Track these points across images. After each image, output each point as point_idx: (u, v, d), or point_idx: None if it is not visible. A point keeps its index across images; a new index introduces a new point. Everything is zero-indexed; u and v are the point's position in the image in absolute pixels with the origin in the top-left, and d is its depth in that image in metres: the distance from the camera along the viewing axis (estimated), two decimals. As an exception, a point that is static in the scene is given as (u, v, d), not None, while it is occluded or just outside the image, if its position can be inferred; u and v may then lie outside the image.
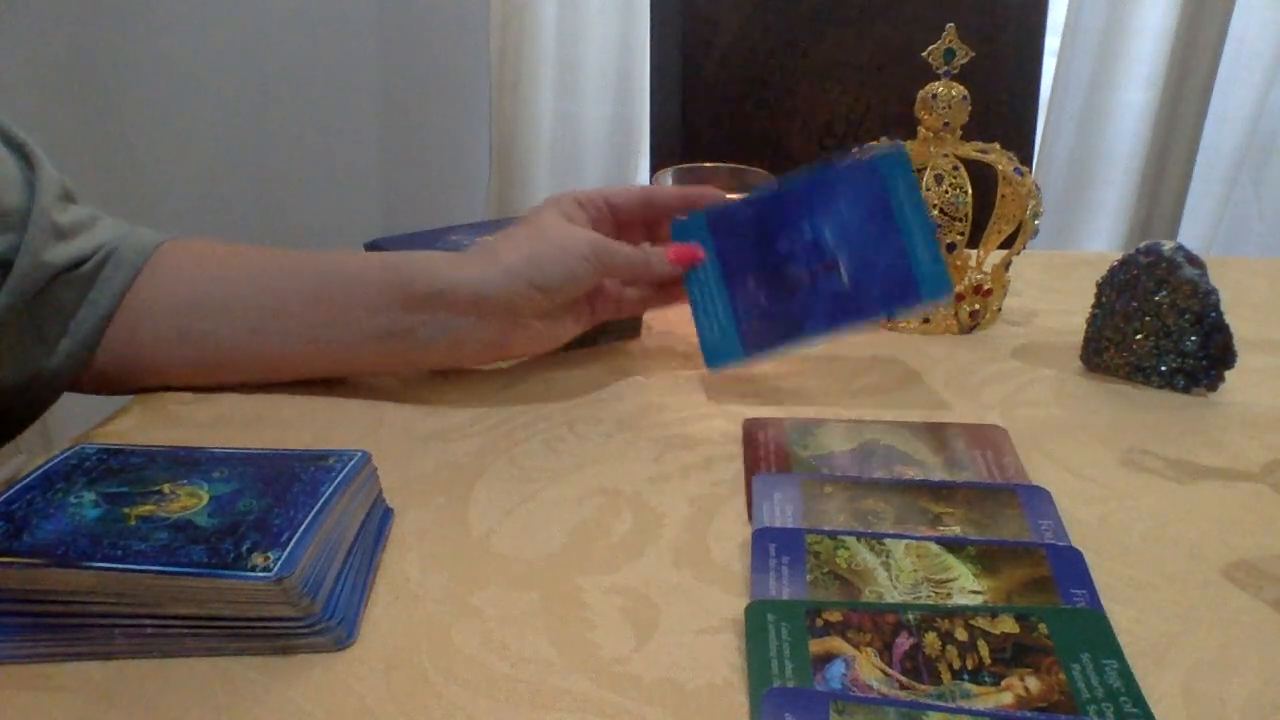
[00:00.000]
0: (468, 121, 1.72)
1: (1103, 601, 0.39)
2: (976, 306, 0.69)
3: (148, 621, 0.35)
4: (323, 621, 0.36)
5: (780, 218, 0.59)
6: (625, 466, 0.50)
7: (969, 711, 0.33)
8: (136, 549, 0.35)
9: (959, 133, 0.68)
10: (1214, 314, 0.58)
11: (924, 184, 0.65)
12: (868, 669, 0.35)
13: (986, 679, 0.34)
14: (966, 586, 0.40)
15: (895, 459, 0.51)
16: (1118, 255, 0.63)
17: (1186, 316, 0.59)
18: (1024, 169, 0.68)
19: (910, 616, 0.37)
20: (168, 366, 0.56)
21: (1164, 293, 0.59)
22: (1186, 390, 0.60)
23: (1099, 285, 0.63)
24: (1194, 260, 0.59)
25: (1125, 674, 0.35)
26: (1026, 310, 0.74)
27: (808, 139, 1.25)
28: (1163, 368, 0.60)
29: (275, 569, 0.35)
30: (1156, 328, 0.60)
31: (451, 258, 0.55)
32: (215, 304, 0.55)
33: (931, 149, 0.68)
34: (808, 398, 0.59)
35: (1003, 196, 0.69)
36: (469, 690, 0.35)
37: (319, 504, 0.39)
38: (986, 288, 0.69)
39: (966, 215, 0.67)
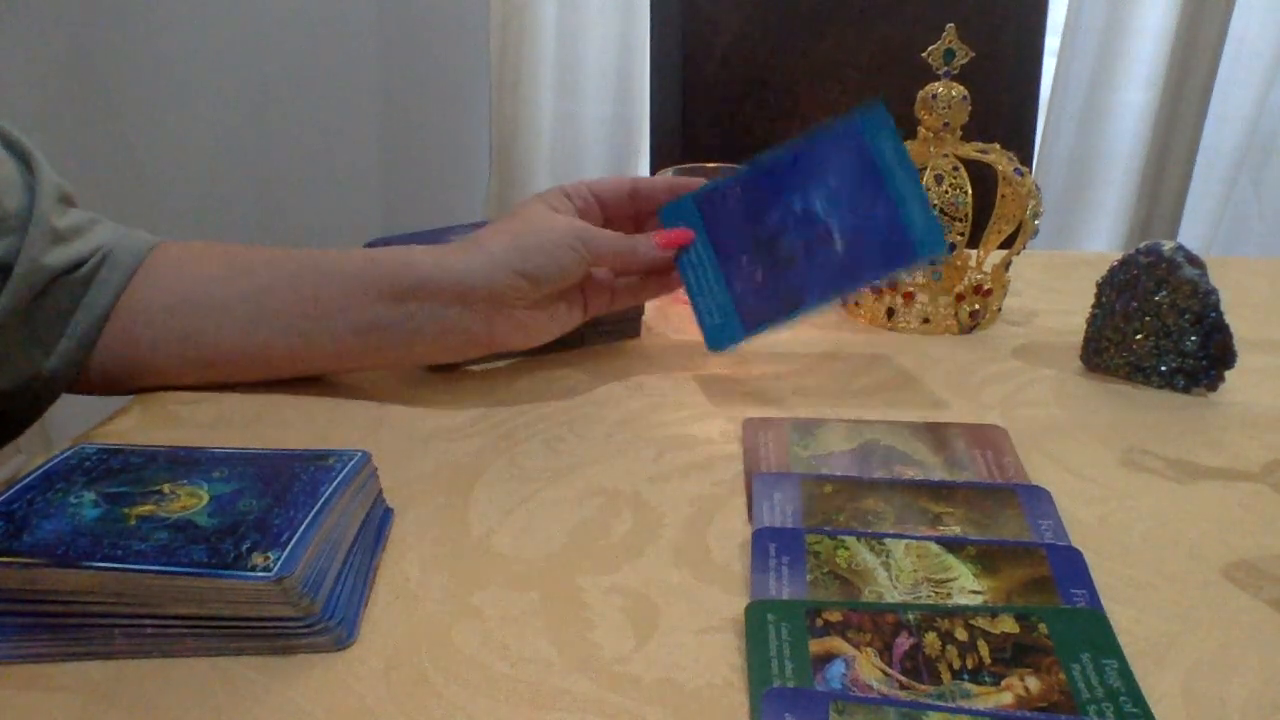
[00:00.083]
0: (468, 121, 1.72)
1: (1103, 601, 0.39)
2: (976, 306, 0.69)
3: (148, 621, 0.35)
4: (322, 621, 0.36)
5: (768, 192, 0.58)
6: (625, 466, 0.50)
7: (969, 711, 0.33)
8: (136, 549, 0.35)
9: (959, 133, 0.68)
10: (1214, 314, 0.58)
11: (924, 184, 0.65)
12: (868, 669, 0.35)
13: (986, 679, 0.34)
14: (966, 586, 0.40)
15: (895, 459, 0.51)
16: (1118, 255, 0.63)
17: (1186, 316, 0.59)
18: (1024, 169, 0.68)
19: (910, 616, 0.37)
20: (164, 366, 0.56)
21: (1164, 293, 0.59)
22: (1186, 390, 0.60)
23: (1099, 285, 0.63)
24: (1194, 260, 0.59)
25: (1125, 674, 0.35)
26: (1026, 310, 0.74)
27: (808, 139, 1.25)
28: (1163, 368, 0.60)
29: (275, 569, 0.35)
30: (1156, 328, 0.60)
31: (436, 249, 0.56)
32: (207, 303, 0.55)
33: (931, 149, 0.68)
34: (808, 398, 0.59)
35: (1003, 196, 0.69)
36: (469, 690, 0.35)
37: (319, 504, 0.39)
38: (986, 288, 0.69)
39: (966, 215, 0.67)
